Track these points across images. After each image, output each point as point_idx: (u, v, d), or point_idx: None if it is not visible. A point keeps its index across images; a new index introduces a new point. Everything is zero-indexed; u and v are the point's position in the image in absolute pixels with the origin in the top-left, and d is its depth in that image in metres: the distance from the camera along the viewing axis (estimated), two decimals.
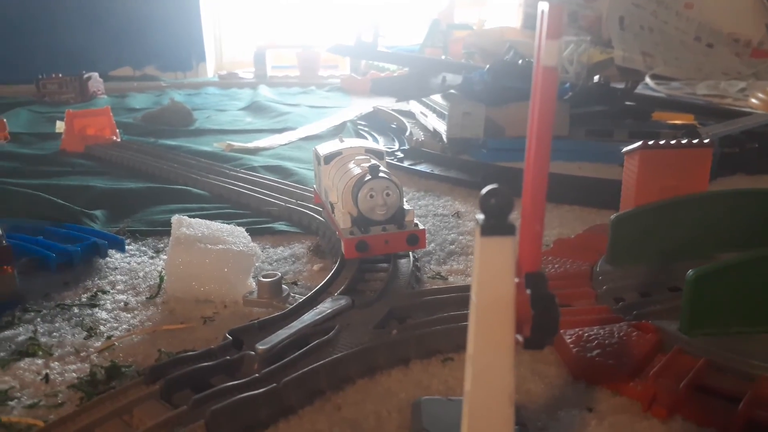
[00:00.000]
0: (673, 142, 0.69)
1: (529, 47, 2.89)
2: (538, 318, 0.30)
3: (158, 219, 0.92)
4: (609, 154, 1.23)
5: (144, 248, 0.82)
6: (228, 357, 0.50)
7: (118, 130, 1.46)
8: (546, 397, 0.48)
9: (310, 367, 0.48)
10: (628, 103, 1.35)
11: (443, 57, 2.23)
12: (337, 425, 0.45)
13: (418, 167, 1.21)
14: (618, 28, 3.10)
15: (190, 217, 0.80)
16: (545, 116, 0.28)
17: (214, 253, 0.65)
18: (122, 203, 0.99)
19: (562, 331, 0.53)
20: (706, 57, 2.98)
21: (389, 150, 1.34)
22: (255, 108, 2.06)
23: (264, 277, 0.65)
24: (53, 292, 0.68)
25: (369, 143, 0.81)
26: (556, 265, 0.67)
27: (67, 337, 0.58)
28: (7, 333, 0.59)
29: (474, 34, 2.97)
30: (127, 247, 0.80)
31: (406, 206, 0.69)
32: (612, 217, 0.66)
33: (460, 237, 0.84)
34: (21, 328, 0.59)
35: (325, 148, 0.78)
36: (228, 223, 0.82)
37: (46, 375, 0.51)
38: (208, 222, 0.70)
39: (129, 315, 0.63)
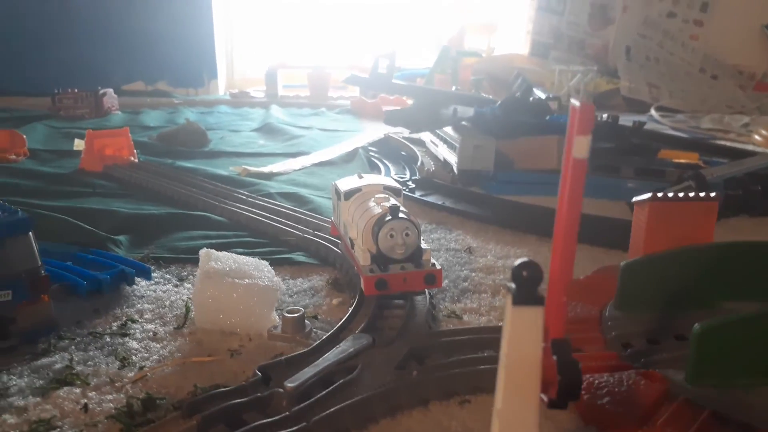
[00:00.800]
0: (681, 195, 0.72)
1: (537, 74, 2.95)
2: (564, 383, 0.33)
3: (180, 246, 0.95)
4: (615, 190, 1.27)
5: (168, 276, 0.85)
6: (259, 394, 0.53)
7: (135, 151, 1.49)
8: None
9: (337, 406, 0.51)
10: (635, 140, 1.38)
11: (454, 87, 2.28)
12: None
13: (429, 198, 1.24)
14: (624, 58, 3.16)
15: (211, 245, 0.84)
16: (574, 203, 0.32)
17: (241, 288, 0.68)
18: (144, 228, 1.02)
19: None
20: (710, 89, 3.03)
21: (401, 179, 1.37)
22: (267, 130, 2.10)
23: (288, 312, 0.68)
24: (85, 320, 0.71)
25: (387, 180, 0.84)
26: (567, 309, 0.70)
27: (102, 366, 0.61)
28: (45, 361, 0.62)
29: (483, 60, 3.03)
30: (151, 274, 0.83)
31: (424, 245, 0.72)
32: (622, 264, 0.69)
33: (473, 274, 0.87)
34: (57, 356, 0.62)
35: (344, 184, 0.81)
36: (248, 252, 0.86)
37: (85, 405, 0.54)
38: (234, 256, 0.73)
39: (158, 345, 0.66)
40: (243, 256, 0.75)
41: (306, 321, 0.69)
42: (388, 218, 0.70)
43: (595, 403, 0.52)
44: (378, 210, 0.72)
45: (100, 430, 0.51)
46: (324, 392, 0.53)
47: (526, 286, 0.33)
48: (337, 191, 0.83)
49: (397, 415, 0.54)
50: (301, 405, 0.51)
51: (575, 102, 0.31)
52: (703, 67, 3.14)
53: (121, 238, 0.96)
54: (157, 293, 0.79)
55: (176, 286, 0.82)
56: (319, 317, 0.74)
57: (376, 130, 2.01)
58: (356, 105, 2.60)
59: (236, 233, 1.02)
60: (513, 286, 0.34)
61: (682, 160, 1.41)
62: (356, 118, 2.42)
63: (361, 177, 0.83)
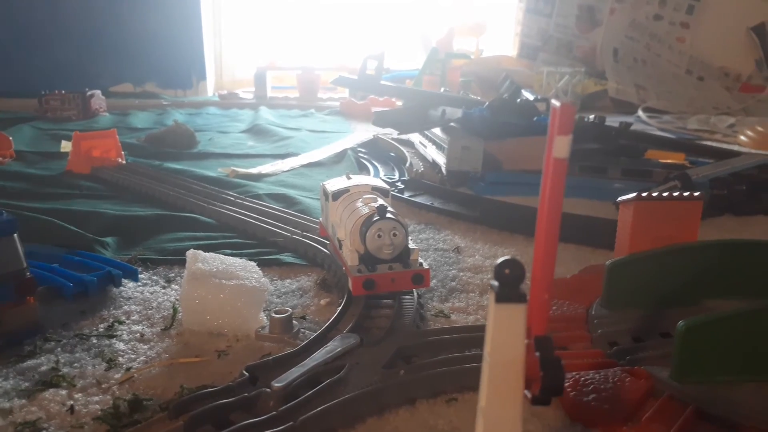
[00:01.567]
0: (665, 194, 0.73)
1: (525, 76, 2.97)
2: (547, 379, 0.33)
3: (168, 247, 0.95)
4: (602, 191, 1.28)
5: (155, 277, 0.85)
6: (246, 393, 0.53)
7: (123, 152, 1.49)
8: None
9: (324, 406, 0.51)
10: (622, 141, 1.40)
11: (442, 89, 2.29)
12: None
13: (417, 199, 1.24)
14: (612, 60, 3.18)
15: (199, 246, 0.83)
16: (555, 202, 0.32)
17: (228, 289, 0.68)
18: (132, 230, 1.02)
19: None
20: (697, 90, 3.06)
21: (390, 180, 1.38)
22: (256, 131, 2.09)
23: (276, 312, 0.68)
24: (71, 321, 0.70)
25: (375, 180, 0.84)
26: (554, 307, 0.71)
27: (88, 367, 0.61)
28: (30, 363, 0.61)
29: (471, 62, 3.04)
30: (139, 276, 0.83)
31: (411, 245, 0.72)
32: (607, 263, 0.69)
33: (461, 273, 0.88)
34: (43, 358, 0.62)
35: (333, 185, 0.81)
36: (236, 253, 0.86)
37: (71, 406, 0.54)
38: (221, 257, 0.73)
39: (145, 346, 0.66)
40: (230, 257, 0.75)
41: (294, 321, 0.69)
42: (375, 218, 0.70)
43: (581, 401, 0.52)
44: (366, 210, 0.72)
45: (86, 431, 0.51)
46: (311, 392, 0.53)
47: (509, 284, 0.34)
48: (325, 192, 0.83)
49: (384, 414, 0.54)
50: (289, 404, 0.51)
51: (555, 102, 0.31)
52: (690, 68, 3.17)
53: (109, 239, 0.96)
54: (144, 294, 0.79)
55: (164, 287, 0.82)
56: (307, 317, 0.74)
57: (365, 131, 2.01)
58: (345, 106, 2.60)
59: (224, 234, 1.01)
60: (496, 283, 0.34)
61: (669, 161, 1.43)
62: (345, 120, 2.42)
63: (349, 178, 0.83)
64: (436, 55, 2.58)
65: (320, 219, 0.91)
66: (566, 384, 0.55)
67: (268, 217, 1.06)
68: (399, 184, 1.35)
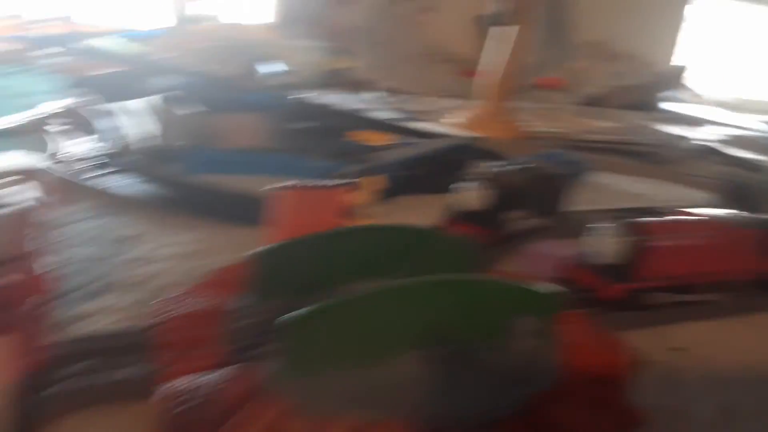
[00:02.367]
0: (312, 183, 0.73)
1: (279, 48, 2.89)
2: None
3: None
4: (305, 170, 1.28)
5: None
6: None
7: None
8: None
9: None
10: (328, 121, 1.42)
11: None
12: None
13: (107, 179, 1.12)
14: (356, 38, 3.28)
15: None
16: None
17: None
18: None
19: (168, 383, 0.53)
20: (430, 73, 3.30)
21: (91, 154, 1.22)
22: None
23: None
24: None
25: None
26: (192, 302, 0.67)
27: None
28: None
29: (221, 28, 2.90)
30: None
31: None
32: (248, 254, 0.67)
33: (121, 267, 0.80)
34: None
35: None
36: None
37: None
38: None
39: None
40: None
41: None
42: None
43: (170, 412, 0.49)
44: None
45: None
46: None
47: None
48: None
49: None
50: None
51: None
52: (425, 52, 3.41)
53: None
54: None
55: None
56: None
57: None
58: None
59: None
60: None
61: (375, 142, 1.48)
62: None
63: None
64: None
65: None
66: (162, 397, 0.51)
67: None
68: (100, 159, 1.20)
